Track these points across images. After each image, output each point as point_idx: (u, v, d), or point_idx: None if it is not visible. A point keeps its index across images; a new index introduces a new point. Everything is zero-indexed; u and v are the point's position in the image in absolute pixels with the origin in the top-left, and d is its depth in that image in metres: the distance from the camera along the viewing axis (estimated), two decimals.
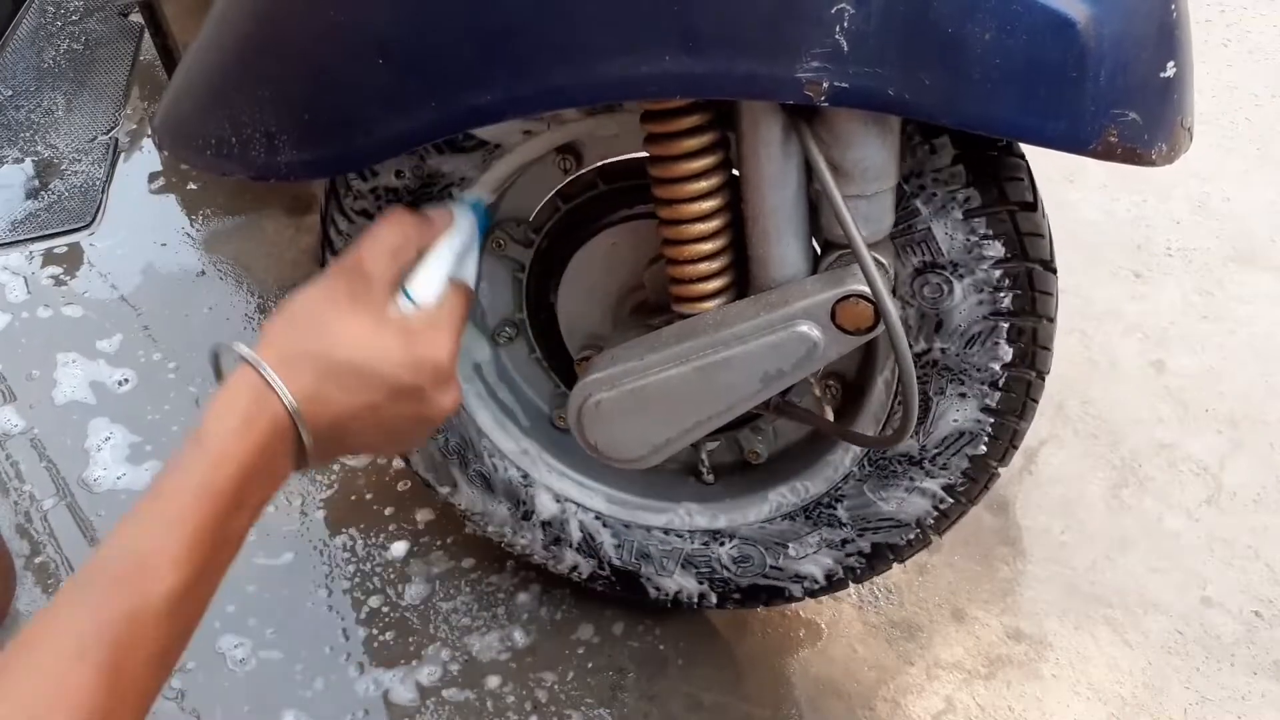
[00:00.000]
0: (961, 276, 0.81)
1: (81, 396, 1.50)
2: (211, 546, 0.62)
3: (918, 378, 0.85)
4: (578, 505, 1.07)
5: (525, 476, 1.07)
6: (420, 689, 1.15)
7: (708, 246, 0.81)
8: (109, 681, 0.56)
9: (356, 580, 1.26)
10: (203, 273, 1.69)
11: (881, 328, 0.76)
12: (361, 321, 0.69)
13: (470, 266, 0.78)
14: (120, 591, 0.58)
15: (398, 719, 1.13)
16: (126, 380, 1.52)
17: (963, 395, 0.87)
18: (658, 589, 1.10)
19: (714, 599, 1.08)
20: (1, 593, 1.08)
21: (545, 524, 1.09)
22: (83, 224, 1.78)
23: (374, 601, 1.23)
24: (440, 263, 0.75)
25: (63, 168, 1.89)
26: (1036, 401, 0.88)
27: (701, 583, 1.07)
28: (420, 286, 0.73)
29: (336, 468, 1.38)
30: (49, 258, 1.73)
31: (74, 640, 0.56)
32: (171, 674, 0.62)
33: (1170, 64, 0.66)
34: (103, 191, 1.84)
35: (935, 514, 0.95)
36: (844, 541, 0.99)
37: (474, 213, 0.81)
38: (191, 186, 1.85)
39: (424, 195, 0.88)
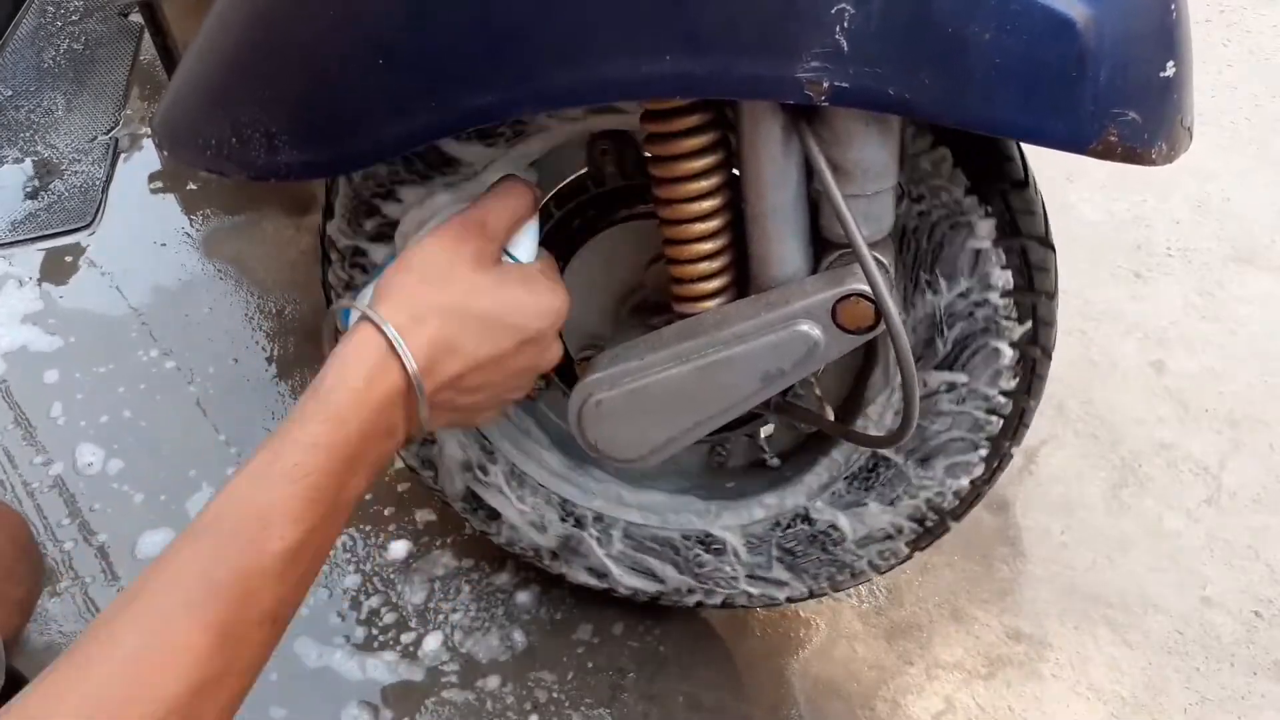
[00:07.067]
0: None
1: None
2: (328, 506, 0.59)
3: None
4: None
5: None
6: (420, 689, 1.15)
7: (708, 246, 0.81)
8: (218, 642, 0.53)
9: (356, 580, 1.26)
10: (202, 273, 1.69)
11: (882, 327, 0.76)
12: (489, 274, 0.72)
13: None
14: (235, 546, 0.55)
15: (397, 719, 1.13)
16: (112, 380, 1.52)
17: None
18: None
19: None
20: (30, 585, 1.07)
21: None
22: (83, 224, 1.77)
23: (374, 602, 1.23)
24: (534, 229, 0.81)
25: (63, 168, 1.89)
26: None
27: None
28: (522, 248, 0.79)
29: None
30: (49, 257, 1.73)
31: (183, 596, 0.53)
32: (279, 642, 0.58)
33: (1170, 64, 0.66)
34: (103, 191, 1.84)
35: None
36: None
37: None
38: (191, 186, 1.85)
39: None
